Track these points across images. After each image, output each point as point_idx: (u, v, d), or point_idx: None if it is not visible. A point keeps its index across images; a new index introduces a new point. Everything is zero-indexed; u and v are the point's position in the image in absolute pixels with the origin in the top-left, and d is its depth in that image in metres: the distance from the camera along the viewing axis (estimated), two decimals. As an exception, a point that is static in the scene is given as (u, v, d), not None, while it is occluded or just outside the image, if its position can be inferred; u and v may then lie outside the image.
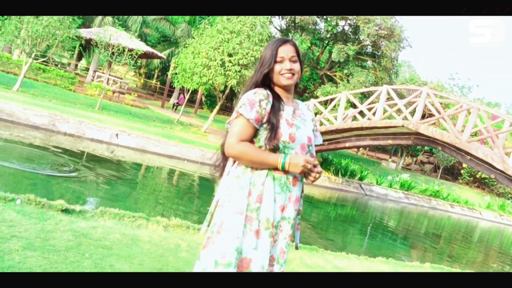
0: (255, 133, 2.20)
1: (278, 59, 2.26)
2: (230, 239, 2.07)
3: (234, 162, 2.27)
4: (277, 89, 2.31)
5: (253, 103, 2.18)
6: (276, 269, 2.16)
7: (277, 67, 2.26)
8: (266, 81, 2.30)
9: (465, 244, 15.84)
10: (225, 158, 2.37)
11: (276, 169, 2.17)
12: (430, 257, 11.16)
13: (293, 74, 2.28)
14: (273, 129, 2.16)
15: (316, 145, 2.42)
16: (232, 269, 2.03)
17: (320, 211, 13.88)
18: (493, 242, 19.09)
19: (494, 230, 23.07)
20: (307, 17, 25.47)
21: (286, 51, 2.27)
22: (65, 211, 4.27)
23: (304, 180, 2.30)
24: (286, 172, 2.17)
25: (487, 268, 11.41)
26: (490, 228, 23.22)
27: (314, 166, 2.22)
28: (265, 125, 2.19)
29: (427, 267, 6.49)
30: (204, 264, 2.09)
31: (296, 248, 2.46)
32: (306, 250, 5.58)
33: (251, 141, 2.20)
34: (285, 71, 2.25)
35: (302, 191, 2.34)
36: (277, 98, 2.26)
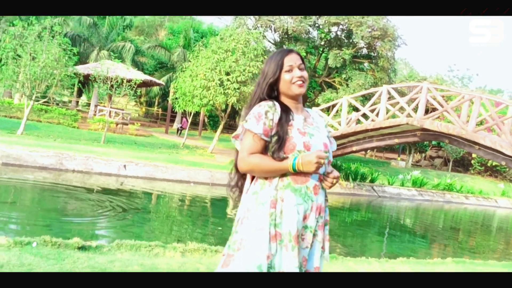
0: (266, 145, 2.16)
1: (286, 68, 2.21)
2: (251, 256, 2.03)
3: (252, 179, 2.23)
4: (285, 100, 2.26)
5: (259, 116, 2.14)
6: None
7: (287, 76, 2.21)
8: (272, 94, 2.25)
9: (484, 234, 15.68)
10: (241, 176, 2.35)
11: (295, 180, 2.12)
12: (450, 251, 11.05)
13: (304, 82, 2.23)
14: (279, 140, 2.12)
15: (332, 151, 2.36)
16: None
17: (336, 218, 13.80)
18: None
19: (512, 217, 22.85)
20: (300, 27, 25.61)
21: (293, 59, 2.22)
22: (82, 248, 4.28)
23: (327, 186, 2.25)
24: (304, 181, 2.13)
25: (510, 256, 11.25)
26: (508, 215, 22.99)
27: (329, 172, 2.21)
28: (275, 137, 2.15)
29: (449, 262, 6.43)
30: None
31: (326, 260, 2.32)
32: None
33: (263, 154, 2.17)
34: (296, 79, 2.20)
35: (326, 200, 2.29)
36: (285, 109, 2.20)
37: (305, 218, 2.14)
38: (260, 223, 2.07)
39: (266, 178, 2.15)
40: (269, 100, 2.21)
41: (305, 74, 2.24)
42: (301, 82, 2.21)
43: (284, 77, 2.21)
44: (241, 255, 2.05)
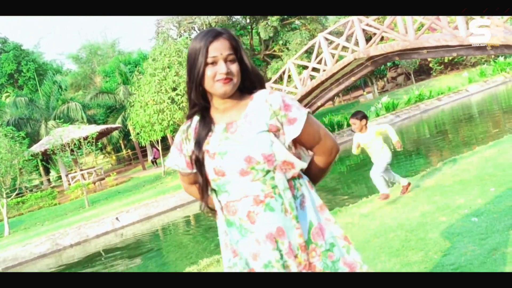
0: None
1: (209, 60, 1.66)
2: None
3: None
4: (216, 102, 1.75)
5: (177, 149, 1.83)
6: None
7: (209, 71, 1.66)
8: (203, 91, 1.75)
9: (470, 124, 16.04)
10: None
11: (227, 210, 1.73)
12: (447, 153, 11.25)
13: (231, 79, 1.67)
14: (202, 181, 1.75)
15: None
16: None
17: (331, 173, 13.94)
18: (492, 107, 19.33)
19: (487, 97, 23.36)
20: (220, 16, 25.61)
21: (218, 48, 1.66)
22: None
23: (286, 199, 1.68)
24: (234, 211, 1.70)
25: (504, 132, 11.40)
26: (483, 98, 23.51)
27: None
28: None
29: (441, 167, 6.62)
30: None
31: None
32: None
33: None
34: (220, 76, 1.65)
35: (295, 217, 1.68)
36: (200, 129, 1.75)
37: (255, 257, 1.69)
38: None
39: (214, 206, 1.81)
40: (193, 112, 1.80)
41: (233, 68, 1.69)
42: (226, 80, 1.68)
43: (206, 72, 1.67)
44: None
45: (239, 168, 1.64)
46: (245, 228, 1.68)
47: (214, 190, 1.75)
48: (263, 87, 1.79)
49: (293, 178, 1.74)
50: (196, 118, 1.79)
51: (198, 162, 1.72)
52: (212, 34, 1.69)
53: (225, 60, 1.67)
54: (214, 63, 1.67)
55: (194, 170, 1.76)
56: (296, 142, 1.75)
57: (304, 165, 1.76)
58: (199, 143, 1.71)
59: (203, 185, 1.73)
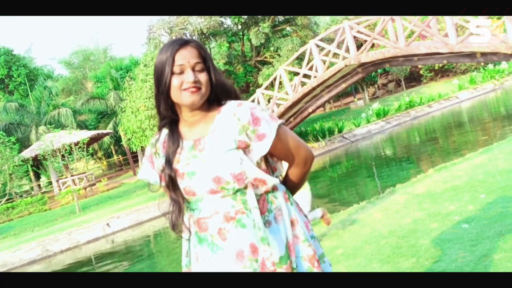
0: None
1: (175, 69, 1.59)
2: None
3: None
4: (185, 115, 1.68)
5: (149, 160, 1.78)
6: None
7: (175, 81, 1.59)
8: (173, 106, 1.69)
9: (460, 130, 16.18)
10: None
11: (199, 226, 1.67)
12: (438, 160, 11.33)
13: (199, 88, 1.61)
14: (175, 206, 1.70)
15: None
16: None
17: (322, 179, 14.00)
18: (482, 114, 19.51)
19: (477, 104, 23.55)
20: (212, 22, 25.66)
21: (186, 56, 1.60)
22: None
23: (255, 218, 1.61)
24: (205, 228, 1.65)
25: (493, 139, 11.51)
26: (473, 105, 23.70)
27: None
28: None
29: (432, 173, 6.67)
30: None
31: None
32: (321, 225, 5.67)
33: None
34: (187, 84, 1.59)
35: (262, 239, 1.61)
36: (169, 145, 1.69)
37: None
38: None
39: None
40: (162, 124, 1.75)
41: (202, 77, 1.62)
42: (194, 89, 1.60)
43: (172, 82, 1.60)
44: None
45: (209, 188, 1.60)
46: (216, 244, 1.63)
47: (187, 207, 1.71)
48: (234, 99, 1.71)
49: (267, 192, 1.68)
50: (165, 131, 1.73)
51: (171, 180, 1.66)
52: (179, 43, 1.63)
53: (193, 69, 1.61)
54: (181, 72, 1.60)
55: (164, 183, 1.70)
56: (269, 154, 1.69)
57: (276, 180, 1.69)
58: (169, 162, 1.66)
59: (179, 202, 1.68)
